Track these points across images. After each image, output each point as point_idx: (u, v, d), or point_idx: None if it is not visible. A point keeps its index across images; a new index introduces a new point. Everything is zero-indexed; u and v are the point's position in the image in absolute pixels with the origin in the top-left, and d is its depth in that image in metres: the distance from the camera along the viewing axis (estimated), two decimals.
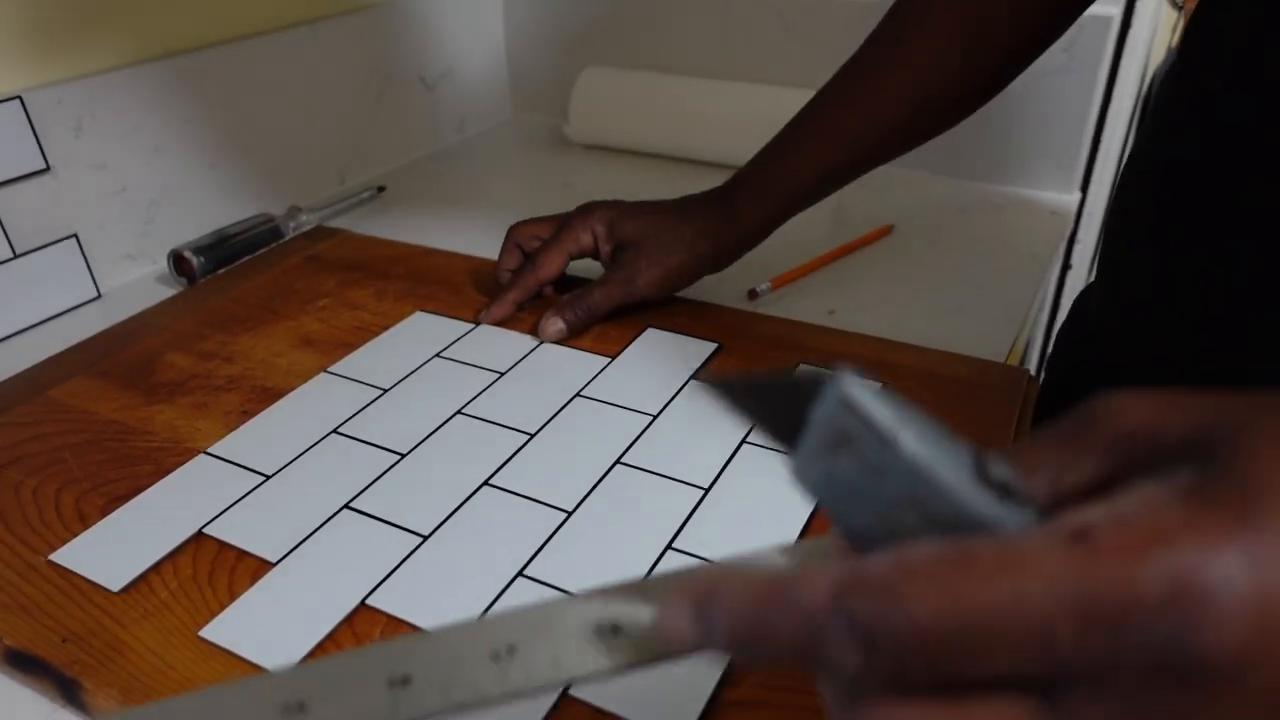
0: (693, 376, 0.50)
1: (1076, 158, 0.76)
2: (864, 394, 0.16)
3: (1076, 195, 0.77)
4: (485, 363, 0.52)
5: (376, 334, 0.55)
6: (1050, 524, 0.15)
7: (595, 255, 0.56)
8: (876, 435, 0.16)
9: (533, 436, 0.45)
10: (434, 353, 0.53)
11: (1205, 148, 0.40)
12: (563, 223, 0.56)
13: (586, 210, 0.56)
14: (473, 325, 0.56)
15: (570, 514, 0.40)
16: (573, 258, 0.56)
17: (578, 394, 0.48)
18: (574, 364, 0.51)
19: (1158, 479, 0.15)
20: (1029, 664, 0.15)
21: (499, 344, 0.54)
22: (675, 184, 0.76)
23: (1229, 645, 0.14)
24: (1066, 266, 0.84)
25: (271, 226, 0.70)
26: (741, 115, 0.81)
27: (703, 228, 0.54)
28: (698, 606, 0.17)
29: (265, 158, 0.74)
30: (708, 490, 0.41)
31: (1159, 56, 0.97)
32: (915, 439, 0.16)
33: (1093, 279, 0.54)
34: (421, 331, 0.55)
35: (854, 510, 0.17)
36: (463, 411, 0.47)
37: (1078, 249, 0.83)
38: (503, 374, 0.50)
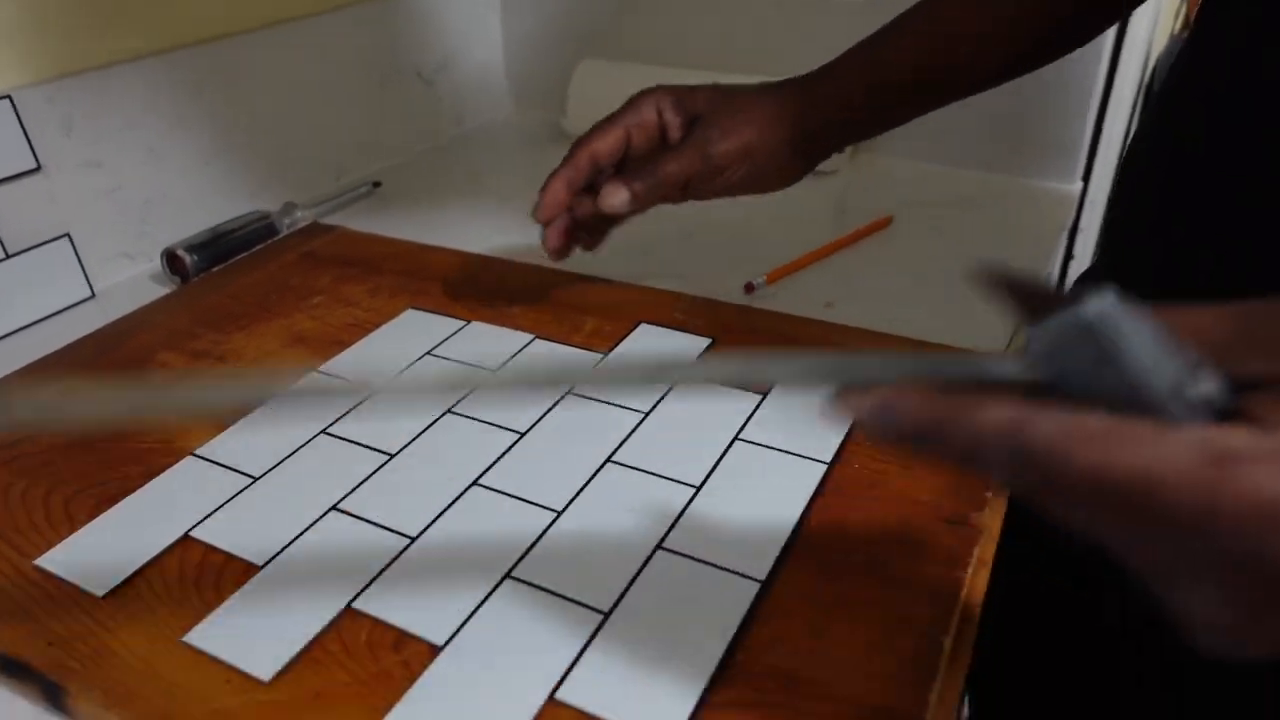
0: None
1: (1078, 146, 0.75)
2: (1117, 312, 0.20)
3: (1078, 184, 0.76)
4: (476, 360, 0.51)
5: (369, 331, 0.55)
6: (1208, 434, 0.18)
7: (654, 140, 0.50)
8: (1113, 351, 0.20)
9: (523, 435, 0.45)
10: (425, 350, 0.52)
11: (1208, 142, 0.39)
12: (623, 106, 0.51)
13: (646, 91, 0.50)
14: (465, 322, 0.55)
15: (559, 514, 0.40)
16: (634, 140, 0.50)
17: (569, 392, 0.48)
18: (566, 360, 0.51)
19: None
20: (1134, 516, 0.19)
21: (491, 340, 0.53)
22: None
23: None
24: (1069, 256, 0.83)
25: (266, 223, 0.69)
26: None
27: (781, 106, 0.49)
28: (883, 403, 0.22)
29: (261, 154, 0.74)
30: (699, 489, 0.41)
31: (1161, 44, 0.96)
32: (1141, 357, 0.20)
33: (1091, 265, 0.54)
34: (413, 329, 0.55)
35: (1066, 375, 0.21)
36: (452, 410, 0.47)
37: (1080, 238, 0.82)
38: (493, 372, 0.50)
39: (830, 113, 0.50)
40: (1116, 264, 0.47)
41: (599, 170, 0.50)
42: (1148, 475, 0.18)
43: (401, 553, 0.38)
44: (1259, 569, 0.18)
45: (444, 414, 0.47)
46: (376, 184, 0.80)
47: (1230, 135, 0.38)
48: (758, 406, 0.46)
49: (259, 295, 0.60)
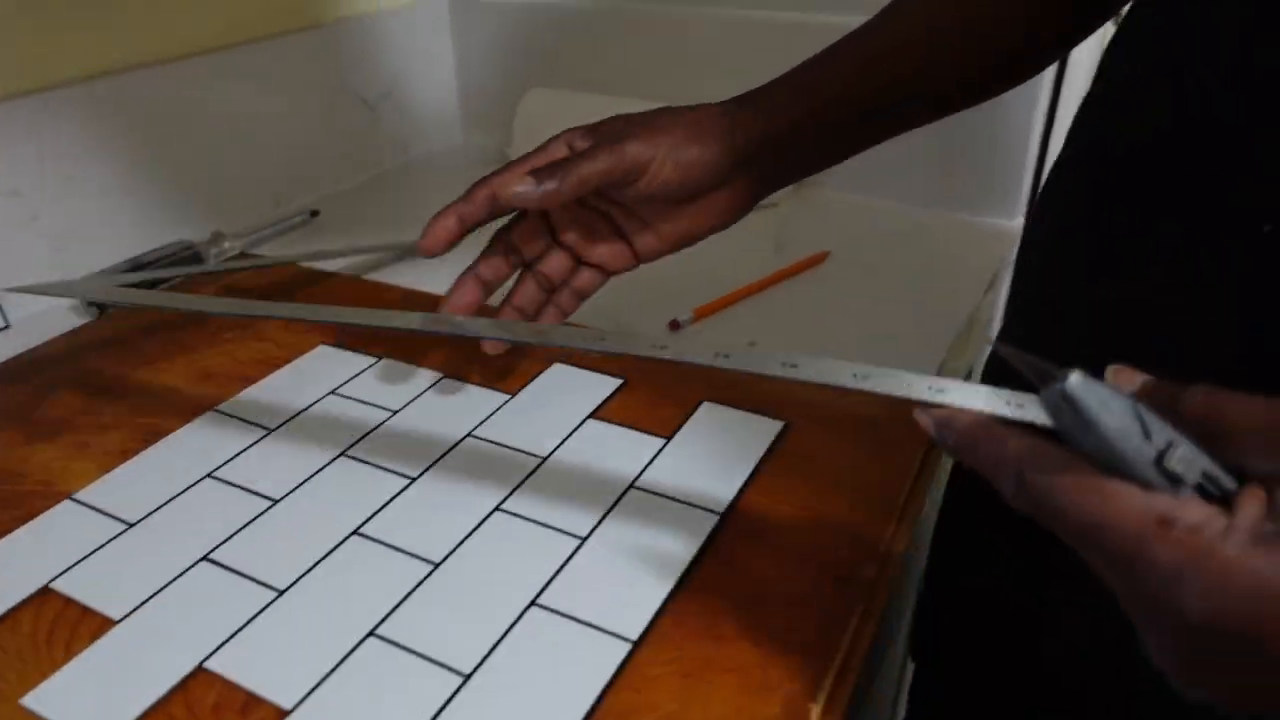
0: (591, 415, 0.48)
1: (1019, 181, 0.74)
2: (1086, 390, 0.23)
3: (1019, 220, 0.76)
4: (380, 399, 0.50)
5: (277, 368, 0.54)
6: (1166, 501, 0.22)
7: None
8: (1088, 420, 0.23)
9: (413, 481, 0.44)
10: (329, 389, 0.51)
11: (1155, 135, 0.37)
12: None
13: (561, 132, 0.45)
14: (375, 359, 0.54)
15: (436, 566, 0.38)
16: (539, 171, 0.44)
17: (469, 434, 0.47)
18: (471, 401, 0.50)
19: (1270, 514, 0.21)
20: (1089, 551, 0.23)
21: (397, 379, 0.52)
22: None
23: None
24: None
25: (191, 254, 0.68)
26: None
27: (703, 118, 0.44)
28: (944, 418, 0.27)
29: (191, 183, 0.73)
30: (584, 539, 0.40)
31: None
32: (1114, 426, 0.22)
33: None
34: (321, 366, 0.54)
35: (1067, 432, 0.24)
36: (347, 453, 0.46)
37: None
38: (395, 412, 0.49)
39: (762, 128, 0.45)
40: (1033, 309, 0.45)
41: (500, 212, 0.47)
42: (1098, 522, 0.22)
43: (266, 607, 0.37)
44: (1178, 623, 0.21)
45: (336, 457, 0.45)
46: (314, 213, 0.79)
47: (1189, 124, 0.36)
48: (660, 451, 0.45)
49: (172, 329, 0.59)
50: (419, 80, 0.94)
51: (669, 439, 0.46)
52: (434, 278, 0.65)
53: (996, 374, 0.55)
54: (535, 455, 0.45)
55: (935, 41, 0.46)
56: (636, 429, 0.47)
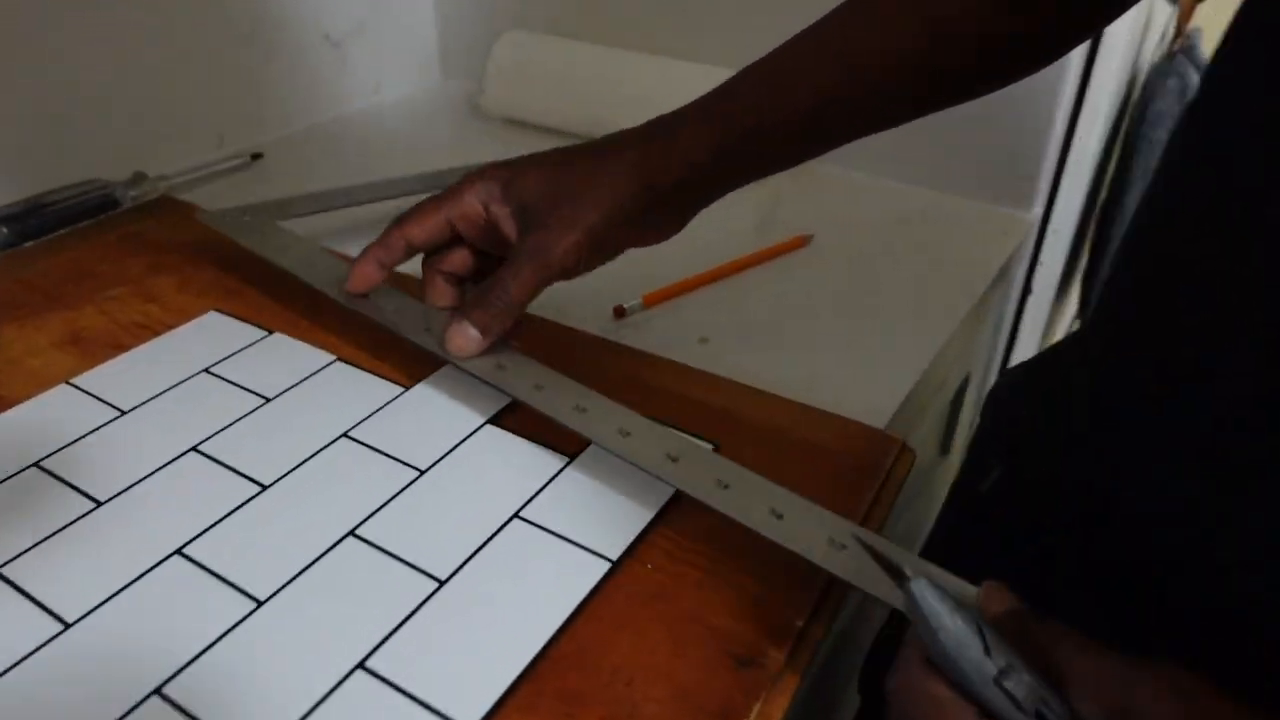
0: (487, 421, 0.41)
1: (1038, 169, 0.66)
2: (926, 598, 0.25)
3: (1037, 211, 0.67)
4: (255, 383, 0.43)
5: (157, 334, 0.47)
6: None
7: (487, 233, 0.42)
8: (927, 626, 0.25)
9: (265, 489, 0.37)
10: (204, 366, 0.44)
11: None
12: (456, 183, 0.43)
13: (475, 172, 0.43)
14: (266, 333, 0.47)
15: (261, 604, 0.32)
16: (457, 229, 0.42)
17: (344, 434, 0.40)
18: (360, 393, 0.43)
19: None
20: None
21: (285, 358, 0.45)
22: None
23: None
24: (1027, 290, 0.74)
25: (103, 195, 0.61)
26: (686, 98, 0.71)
27: (629, 164, 0.40)
28: None
29: (118, 115, 0.66)
30: (444, 583, 0.33)
31: (1151, 55, 0.85)
32: (952, 636, 0.24)
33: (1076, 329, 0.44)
34: (205, 336, 0.47)
35: (918, 633, 0.25)
36: (198, 449, 0.39)
37: (1040, 272, 0.73)
38: (269, 400, 0.42)
39: (679, 173, 0.40)
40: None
41: (417, 253, 0.44)
42: None
43: (48, 642, 0.30)
44: None
45: (186, 452, 0.39)
46: (256, 155, 0.72)
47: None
48: (558, 474, 0.38)
49: (56, 280, 0.52)
50: (394, 17, 0.86)
51: (573, 457, 0.39)
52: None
53: (999, 398, 0.47)
54: (413, 468, 0.38)
55: (898, 37, 0.39)
56: (538, 442, 0.40)
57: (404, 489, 0.37)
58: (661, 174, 0.40)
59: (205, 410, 0.41)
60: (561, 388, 0.40)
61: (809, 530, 0.33)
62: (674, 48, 0.75)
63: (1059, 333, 0.95)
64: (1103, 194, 0.81)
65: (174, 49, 0.68)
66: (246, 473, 0.38)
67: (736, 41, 0.74)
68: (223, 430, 0.40)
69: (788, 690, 0.30)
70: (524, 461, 0.39)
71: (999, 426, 0.47)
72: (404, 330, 0.43)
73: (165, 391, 0.43)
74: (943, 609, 0.24)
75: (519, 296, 0.40)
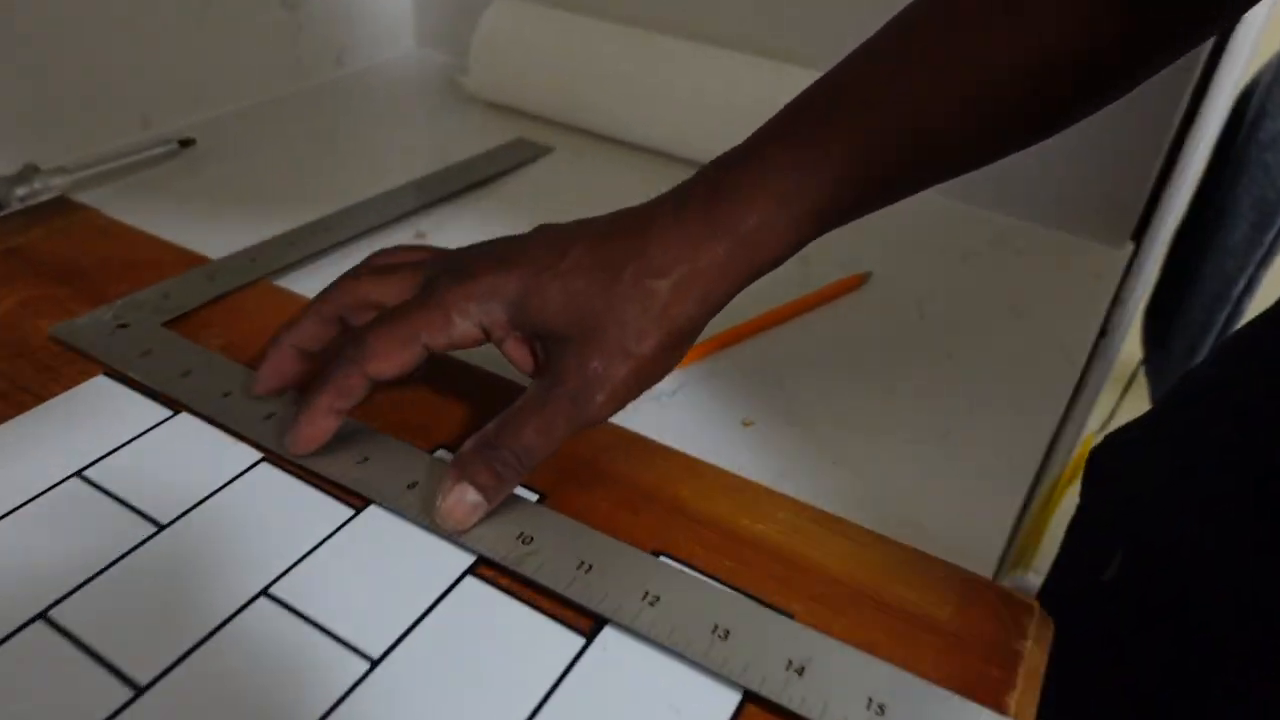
0: (474, 567, 0.30)
1: (1134, 198, 0.55)
2: None
3: (1128, 247, 0.56)
4: (148, 498, 0.31)
5: (22, 409, 0.35)
6: None
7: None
8: None
9: (161, 529, 0.26)
10: (78, 467, 0.32)
11: None
12: (424, 288, 0.32)
13: (466, 273, 0.32)
14: (171, 413, 0.35)
15: (140, 693, 0.21)
16: (435, 352, 0.32)
17: (264, 591, 0.28)
18: (295, 513, 0.31)
19: None
20: None
21: (192, 456, 0.33)
22: (618, 172, 0.56)
23: None
24: (1103, 333, 0.63)
25: None
26: (708, 90, 0.59)
27: (689, 274, 0.30)
28: None
29: (5, 90, 0.52)
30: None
31: (1263, 58, 0.75)
32: None
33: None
34: (89, 415, 0.35)
35: None
36: (48, 616, 0.27)
37: (1118, 310, 0.62)
38: (161, 528, 0.30)
39: (759, 272, 0.32)
40: None
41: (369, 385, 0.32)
42: None
43: None
44: None
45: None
46: (186, 142, 0.59)
47: None
48: (577, 658, 0.27)
49: None
50: None
51: (590, 638, 0.28)
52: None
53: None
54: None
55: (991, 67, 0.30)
56: (541, 606, 0.29)
57: (345, 697, 0.26)
58: (733, 280, 0.31)
59: (67, 548, 0.29)
60: (560, 533, 0.30)
61: None
62: (695, 27, 0.62)
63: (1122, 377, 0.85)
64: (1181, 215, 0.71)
65: (95, 15, 0.54)
66: (114, 662, 0.26)
67: (761, 23, 0.63)
68: (87, 584, 0.28)
69: None
70: (521, 644, 0.28)
71: (1112, 501, 0.38)
72: (375, 491, 0.32)
73: (16, 510, 0.31)
74: None
75: (540, 457, 0.30)
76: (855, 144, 0.31)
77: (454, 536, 0.30)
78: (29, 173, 0.51)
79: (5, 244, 0.46)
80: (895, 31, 0.31)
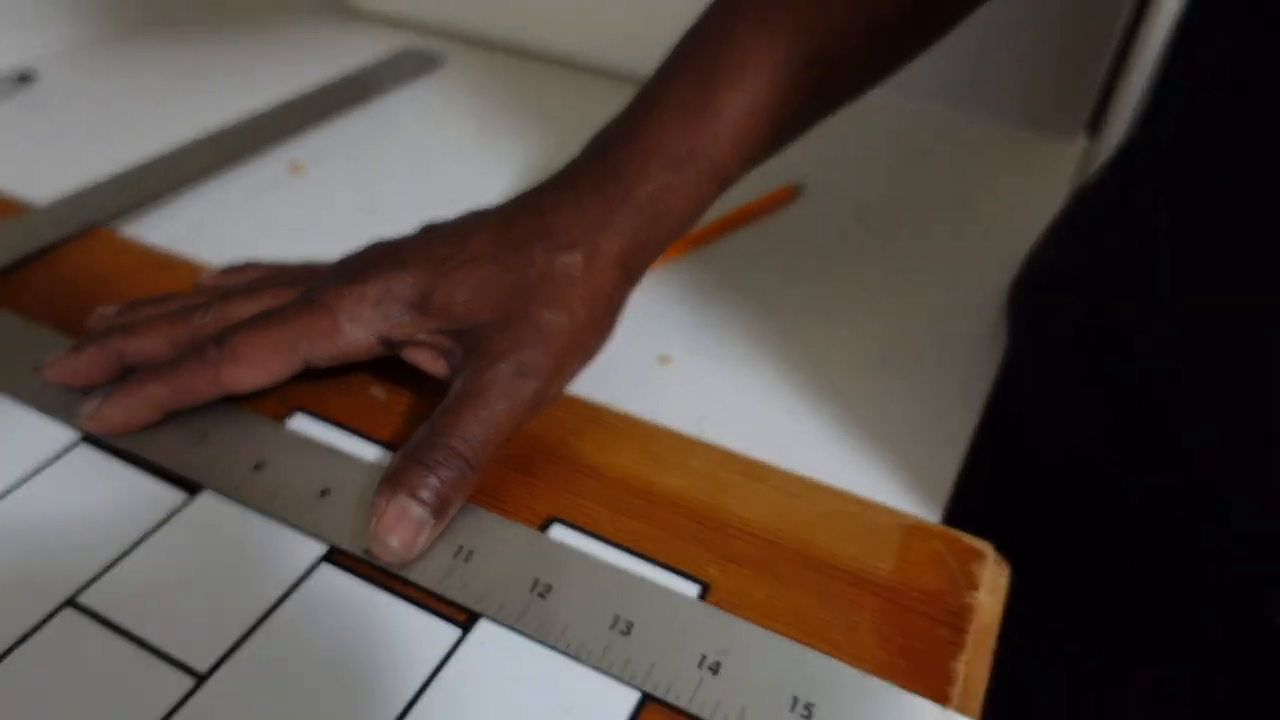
0: (329, 555, 0.25)
1: (1093, 82, 0.50)
2: None
3: (1079, 143, 0.52)
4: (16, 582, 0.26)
5: None
6: None
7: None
8: None
9: None
10: None
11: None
12: (308, 291, 0.28)
13: (357, 275, 0.28)
14: (67, 445, 0.29)
15: None
16: (316, 366, 0.28)
17: (70, 601, 0.23)
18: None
19: None
20: None
21: (94, 500, 0.28)
22: (538, 98, 0.50)
23: None
24: None
25: None
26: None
27: (600, 245, 0.29)
28: None
29: None
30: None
31: None
32: None
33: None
34: None
35: None
36: None
37: None
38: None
39: (666, 242, 0.31)
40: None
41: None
42: None
43: None
44: None
45: None
46: (25, 76, 0.52)
47: None
48: (445, 661, 0.23)
49: None
50: None
51: (469, 625, 0.23)
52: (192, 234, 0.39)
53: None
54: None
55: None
56: (409, 599, 0.24)
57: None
58: (645, 247, 0.30)
59: None
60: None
61: None
62: None
63: None
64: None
65: None
66: None
67: None
68: None
69: None
70: (385, 640, 0.23)
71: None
72: (338, 529, 0.25)
73: None
74: None
75: (487, 450, 0.25)
76: (743, 90, 0.30)
77: (391, 565, 0.24)
78: None
79: None
80: None
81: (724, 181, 0.31)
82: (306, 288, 0.29)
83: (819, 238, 0.43)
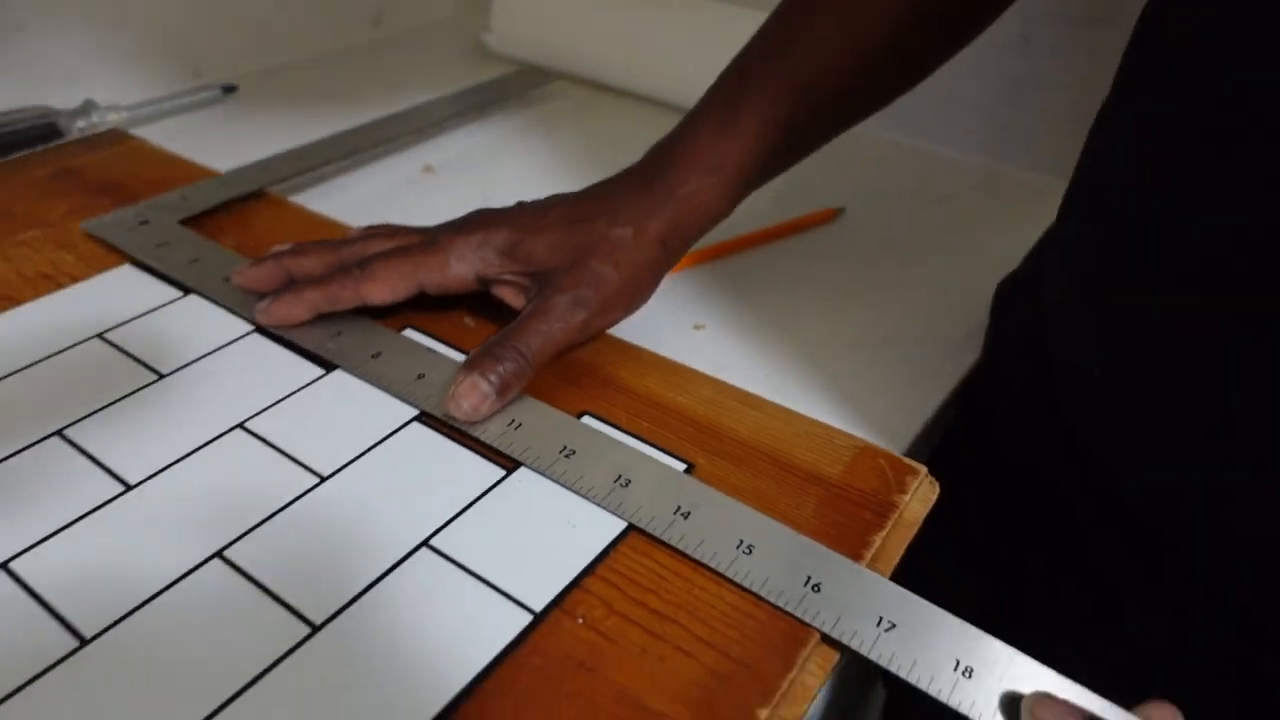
0: (419, 417, 0.34)
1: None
2: None
3: None
4: (152, 355, 0.37)
5: (61, 287, 0.41)
6: None
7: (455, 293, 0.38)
8: None
9: (131, 488, 0.30)
10: (99, 330, 0.38)
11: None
12: (426, 237, 0.38)
13: (463, 228, 0.38)
14: (181, 293, 0.40)
15: (85, 643, 0.25)
16: (428, 291, 0.37)
17: (241, 425, 0.33)
18: (274, 372, 0.36)
19: None
20: None
21: (197, 325, 0.38)
22: (620, 123, 0.60)
23: None
24: None
25: (45, 124, 0.55)
26: (700, 42, 0.63)
27: (646, 227, 0.37)
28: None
29: (73, 31, 0.59)
30: (318, 629, 0.26)
31: None
32: None
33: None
34: (112, 294, 0.40)
35: None
36: (64, 433, 0.33)
37: None
38: (162, 376, 0.35)
39: (701, 230, 0.39)
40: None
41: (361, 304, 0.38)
42: None
43: None
44: None
45: (50, 435, 0.32)
46: (229, 88, 0.65)
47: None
48: (490, 489, 0.31)
49: None
50: None
51: (511, 470, 0.32)
52: (353, 207, 0.50)
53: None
54: (314, 473, 0.31)
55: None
56: (472, 448, 0.33)
57: (295, 500, 0.30)
58: (681, 234, 0.38)
59: (85, 386, 0.35)
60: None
61: (786, 570, 0.27)
62: None
63: None
64: None
65: None
66: (112, 468, 0.31)
67: None
68: (99, 411, 0.34)
69: None
70: (450, 471, 0.32)
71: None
72: (428, 400, 0.34)
73: (46, 359, 0.36)
74: None
75: (543, 355, 0.34)
76: (760, 114, 0.38)
77: (462, 424, 0.33)
78: (88, 108, 0.57)
79: (63, 164, 0.52)
80: (783, 11, 0.40)
81: (746, 184, 0.39)
82: (430, 233, 0.39)
83: (847, 252, 0.50)
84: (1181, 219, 0.28)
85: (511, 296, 0.37)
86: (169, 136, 0.57)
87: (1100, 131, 0.34)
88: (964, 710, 0.25)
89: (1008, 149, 0.59)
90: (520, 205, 0.40)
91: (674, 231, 0.38)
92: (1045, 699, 0.24)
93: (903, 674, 0.26)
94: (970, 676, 0.25)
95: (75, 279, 0.41)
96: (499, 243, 0.37)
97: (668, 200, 0.38)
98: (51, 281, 0.41)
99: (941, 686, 0.25)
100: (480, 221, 0.38)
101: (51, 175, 0.51)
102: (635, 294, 0.38)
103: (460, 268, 0.37)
